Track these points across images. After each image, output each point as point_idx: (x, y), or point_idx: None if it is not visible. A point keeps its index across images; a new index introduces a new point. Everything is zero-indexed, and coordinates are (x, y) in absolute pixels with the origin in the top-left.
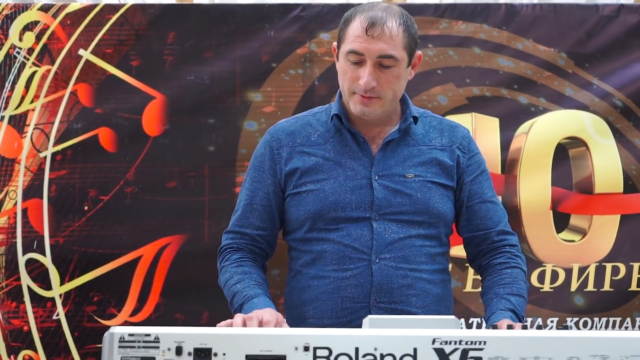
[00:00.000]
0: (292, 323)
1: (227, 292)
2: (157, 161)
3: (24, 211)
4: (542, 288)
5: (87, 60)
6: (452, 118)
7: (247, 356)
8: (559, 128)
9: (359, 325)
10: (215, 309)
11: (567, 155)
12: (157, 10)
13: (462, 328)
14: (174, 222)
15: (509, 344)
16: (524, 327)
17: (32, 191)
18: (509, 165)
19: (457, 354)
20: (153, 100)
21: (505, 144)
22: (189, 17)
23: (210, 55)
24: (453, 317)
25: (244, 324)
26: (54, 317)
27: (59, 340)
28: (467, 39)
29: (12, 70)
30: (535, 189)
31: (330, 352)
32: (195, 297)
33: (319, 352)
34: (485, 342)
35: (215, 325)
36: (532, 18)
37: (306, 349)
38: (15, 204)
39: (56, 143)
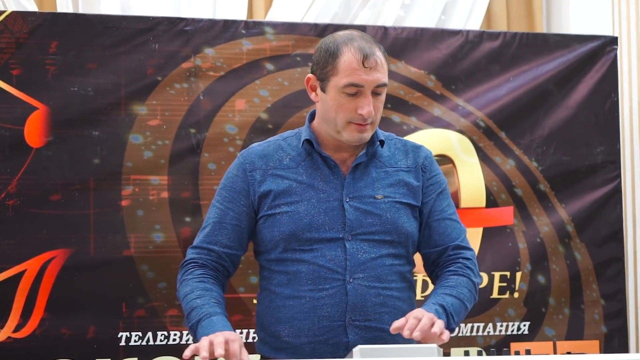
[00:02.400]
0: (266, 342)
1: (186, 306)
2: (41, 173)
3: None
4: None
5: None
6: None
7: None
8: (429, 146)
9: (336, 344)
10: (102, 322)
11: None
12: (39, 18)
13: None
14: (58, 236)
15: None
16: (448, 328)
17: None
18: None
19: None
20: (35, 110)
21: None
22: (72, 27)
23: (94, 66)
24: (435, 345)
25: (211, 348)
26: None
27: None
28: None
29: None
30: None
31: None
32: (81, 312)
33: None
34: None
35: (101, 339)
36: (403, 41)
37: None
38: None
39: None
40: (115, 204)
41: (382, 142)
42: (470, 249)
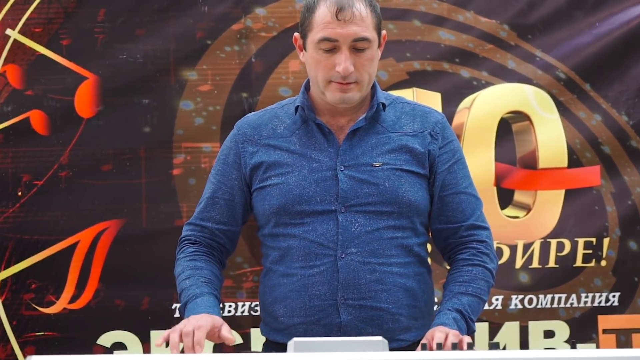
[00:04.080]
0: (266, 322)
1: (178, 287)
2: (92, 144)
3: None
4: None
5: (15, 40)
6: (393, 93)
7: None
8: (502, 102)
9: (329, 324)
10: (156, 294)
11: (510, 130)
12: None
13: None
14: (110, 206)
15: None
16: (470, 346)
17: None
18: None
19: None
20: (85, 80)
21: (447, 120)
22: None
23: (142, 32)
24: (380, 338)
25: (180, 340)
26: None
27: None
28: (407, 12)
29: None
30: (478, 165)
31: None
32: (135, 283)
33: None
34: None
35: (155, 310)
36: None
37: None
38: None
39: None
40: (167, 172)
41: (383, 105)
42: (485, 228)
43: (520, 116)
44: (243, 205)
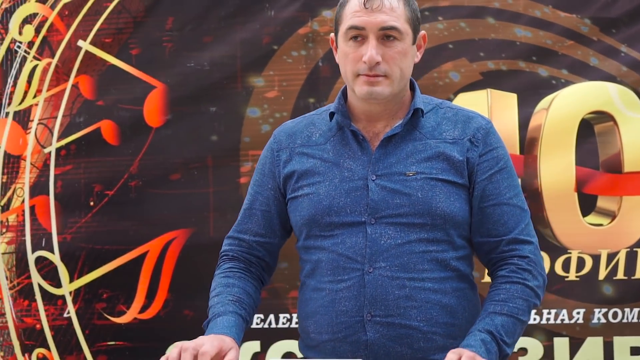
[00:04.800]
0: (302, 338)
1: (209, 305)
2: (160, 153)
3: (32, 208)
4: (567, 277)
5: (86, 51)
6: (465, 95)
7: None
8: (583, 102)
9: (355, 342)
10: None
11: (592, 131)
12: None
13: None
14: (179, 216)
15: None
16: (502, 355)
17: (38, 188)
18: (529, 144)
19: None
20: (154, 89)
21: (524, 122)
22: (187, 1)
23: (209, 40)
24: None
25: (179, 357)
26: (65, 315)
27: (70, 338)
28: (480, 9)
29: (14, 65)
30: (557, 169)
31: None
32: (203, 293)
33: None
34: None
35: None
36: None
37: None
38: (23, 201)
39: (60, 138)
40: (234, 181)
41: (420, 110)
42: (529, 242)
43: (603, 116)
44: (280, 216)
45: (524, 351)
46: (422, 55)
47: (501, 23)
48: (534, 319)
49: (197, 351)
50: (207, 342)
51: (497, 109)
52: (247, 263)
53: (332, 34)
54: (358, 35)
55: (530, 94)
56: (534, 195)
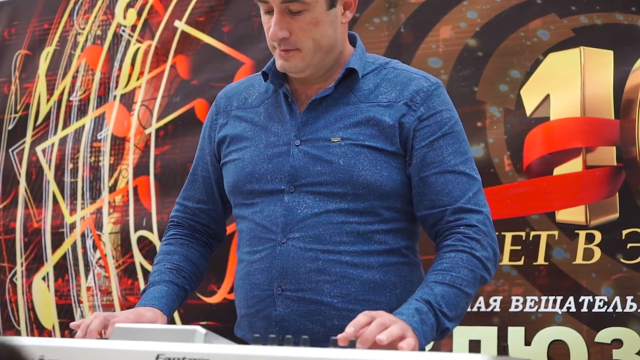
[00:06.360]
0: None
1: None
2: None
3: (135, 189)
4: None
5: (182, 32)
6: (555, 55)
7: None
8: None
9: (267, 317)
10: None
11: None
12: None
13: (205, 340)
14: None
15: None
16: (442, 328)
17: (140, 169)
18: (625, 107)
19: None
20: (242, 66)
21: (620, 82)
22: None
23: None
24: (197, 327)
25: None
26: None
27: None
28: None
29: (119, 49)
30: None
31: None
32: None
33: None
34: None
35: None
36: None
37: None
38: (127, 182)
39: (159, 119)
40: None
41: (352, 71)
42: (478, 211)
43: None
44: (218, 183)
45: (618, 343)
46: (354, 12)
47: None
48: (630, 307)
49: (109, 321)
50: (121, 315)
51: (590, 69)
52: (191, 229)
53: None
54: (267, 8)
55: (629, 50)
56: (631, 165)
